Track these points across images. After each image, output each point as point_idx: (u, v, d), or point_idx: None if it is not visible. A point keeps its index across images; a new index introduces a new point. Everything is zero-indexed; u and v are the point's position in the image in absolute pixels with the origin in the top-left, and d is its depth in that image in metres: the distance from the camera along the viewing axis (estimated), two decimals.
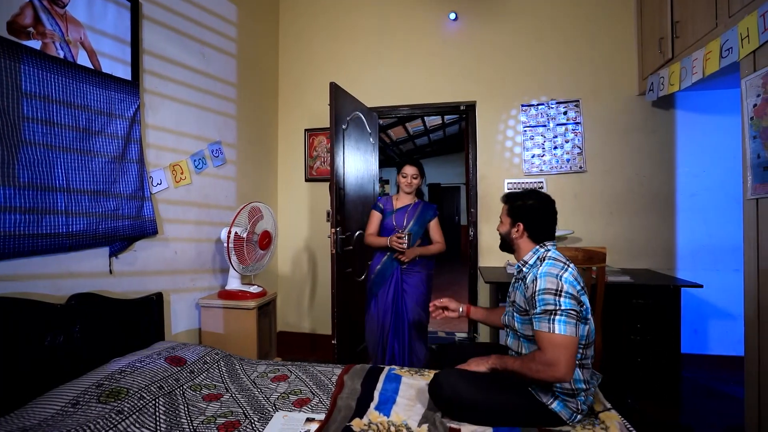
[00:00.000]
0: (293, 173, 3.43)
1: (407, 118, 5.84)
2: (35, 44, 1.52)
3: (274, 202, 3.39)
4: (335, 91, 2.46)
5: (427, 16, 3.19)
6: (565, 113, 2.94)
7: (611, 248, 2.75)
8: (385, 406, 1.43)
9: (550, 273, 1.33)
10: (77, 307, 1.59)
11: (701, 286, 2.23)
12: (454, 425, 1.32)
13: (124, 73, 1.90)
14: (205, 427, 1.32)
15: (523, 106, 3.01)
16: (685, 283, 2.29)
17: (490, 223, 3.01)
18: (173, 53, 2.24)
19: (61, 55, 1.61)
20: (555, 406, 1.31)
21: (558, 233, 2.71)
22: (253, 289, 2.37)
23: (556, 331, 1.25)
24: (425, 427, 1.30)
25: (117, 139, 1.83)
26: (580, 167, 2.91)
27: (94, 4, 1.76)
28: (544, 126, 2.97)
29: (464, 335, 3.54)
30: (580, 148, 2.91)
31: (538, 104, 2.99)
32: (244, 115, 2.91)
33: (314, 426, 1.32)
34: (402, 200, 2.45)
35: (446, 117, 6.05)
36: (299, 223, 3.41)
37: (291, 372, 1.78)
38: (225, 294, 2.34)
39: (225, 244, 2.25)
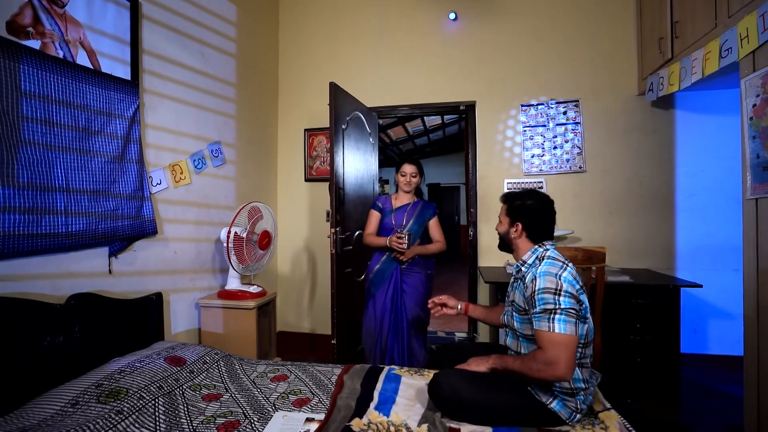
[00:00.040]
0: (293, 173, 3.43)
1: (407, 118, 5.84)
2: (34, 44, 1.52)
3: (273, 202, 3.39)
4: (335, 90, 2.46)
5: (426, 16, 3.19)
6: (564, 113, 2.94)
7: (611, 248, 2.76)
8: (385, 406, 1.43)
9: (549, 272, 1.33)
10: (77, 307, 1.59)
11: (701, 286, 2.23)
12: (453, 425, 1.32)
13: (124, 72, 1.90)
14: (205, 427, 1.32)
15: (522, 106, 3.01)
16: (685, 282, 2.29)
17: (489, 223, 3.02)
18: (173, 53, 2.24)
19: (61, 55, 1.61)
20: (554, 405, 1.32)
21: (558, 233, 2.71)
22: (253, 289, 2.37)
23: (556, 330, 1.25)
24: (425, 427, 1.30)
25: (116, 139, 1.83)
26: (580, 167, 2.91)
27: (93, 3, 1.76)
28: (544, 126, 2.97)
29: (464, 335, 3.54)
30: (579, 148, 2.91)
31: (537, 104, 2.99)
32: (243, 114, 2.91)
33: (314, 426, 1.32)
34: (401, 199, 2.44)
35: (446, 117, 6.06)
36: (299, 223, 3.41)
37: (291, 372, 1.78)
38: (225, 294, 2.34)
39: (225, 244, 2.25)
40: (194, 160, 2.37)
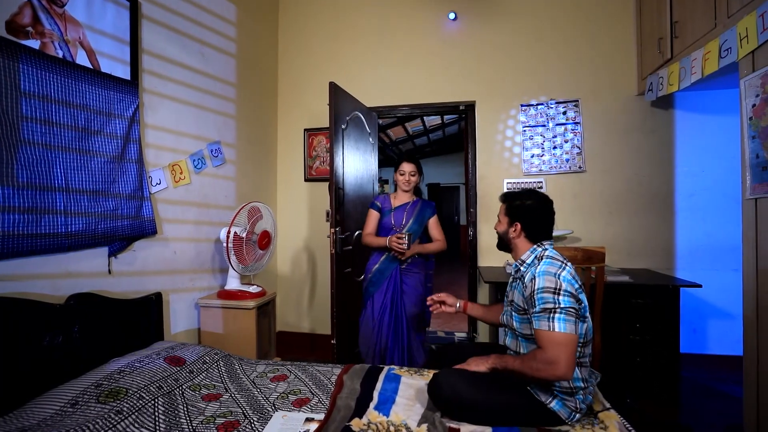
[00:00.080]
0: (292, 173, 3.43)
1: (407, 118, 5.84)
2: (34, 44, 1.52)
3: (273, 201, 3.39)
4: (334, 90, 2.45)
5: (426, 16, 3.19)
6: (564, 113, 2.94)
7: (610, 248, 2.76)
8: (385, 406, 1.43)
9: (548, 272, 1.33)
10: (76, 307, 1.59)
11: (700, 286, 2.24)
12: (453, 425, 1.32)
13: (124, 72, 1.90)
14: (205, 427, 1.32)
15: (522, 105, 3.01)
16: (684, 282, 2.29)
17: (489, 222, 3.02)
18: (172, 53, 2.23)
19: (60, 55, 1.61)
20: (554, 405, 1.32)
21: (557, 233, 2.71)
22: (253, 289, 2.36)
23: (556, 329, 1.25)
24: (424, 426, 1.30)
25: (116, 139, 1.83)
26: (580, 167, 2.91)
27: (93, 3, 1.76)
28: (544, 126, 2.97)
29: (464, 335, 3.54)
30: (579, 148, 2.91)
31: (537, 104, 2.99)
32: (243, 114, 2.91)
33: (313, 426, 1.32)
34: (400, 198, 2.42)
35: (446, 117, 6.06)
36: (299, 222, 3.41)
37: (290, 372, 1.78)
38: (224, 294, 2.34)
39: (224, 244, 2.25)
40: (194, 160, 2.37)
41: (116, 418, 1.25)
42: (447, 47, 3.15)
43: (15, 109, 1.43)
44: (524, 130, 3.00)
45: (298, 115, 3.42)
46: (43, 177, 1.52)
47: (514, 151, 3.02)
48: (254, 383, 1.67)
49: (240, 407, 1.46)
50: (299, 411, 1.44)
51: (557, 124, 2.95)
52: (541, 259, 1.40)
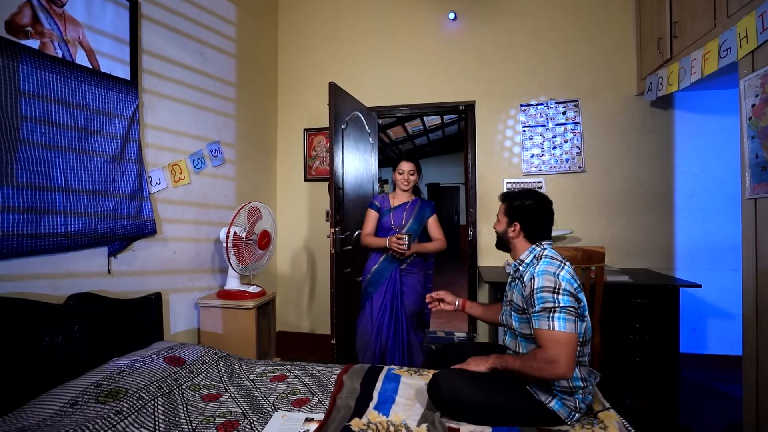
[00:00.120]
0: (292, 173, 3.43)
1: (406, 118, 5.84)
2: (33, 43, 1.52)
3: (273, 201, 3.39)
4: (334, 90, 2.45)
5: (426, 16, 3.19)
6: (564, 113, 2.95)
7: (610, 248, 2.76)
8: (384, 406, 1.43)
9: (547, 271, 1.33)
10: (76, 307, 1.59)
11: (700, 286, 2.24)
12: (453, 425, 1.32)
13: (123, 72, 1.90)
14: (204, 427, 1.32)
15: (522, 105, 3.01)
16: (684, 282, 2.30)
17: (489, 222, 3.02)
18: (172, 53, 2.23)
19: (60, 55, 1.61)
20: (553, 404, 1.32)
21: (557, 233, 2.71)
22: (252, 288, 2.36)
23: (556, 328, 1.25)
24: (424, 426, 1.30)
25: (116, 139, 1.83)
26: (579, 167, 2.91)
27: (92, 3, 1.76)
28: (543, 126, 2.97)
29: (463, 335, 3.55)
30: (579, 148, 2.91)
31: (537, 104, 2.99)
32: (243, 114, 2.91)
33: (313, 426, 1.32)
34: (399, 198, 2.40)
35: (445, 117, 6.06)
36: (298, 222, 3.41)
37: (290, 372, 1.78)
38: (224, 294, 2.34)
39: (224, 244, 2.25)
40: (193, 160, 2.37)
41: (116, 418, 1.25)
42: (447, 47, 3.15)
43: (14, 109, 1.43)
44: (524, 130, 3.00)
45: (297, 115, 3.41)
46: (43, 177, 1.52)
47: (514, 151, 3.02)
48: (254, 383, 1.67)
49: (240, 407, 1.46)
50: (299, 411, 1.44)
51: (557, 124, 2.95)
52: (540, 258, 1.40)
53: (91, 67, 1.74)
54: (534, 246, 1.47)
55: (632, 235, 2.83)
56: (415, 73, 3.20)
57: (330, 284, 2.42)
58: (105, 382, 1.41)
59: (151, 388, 1.45)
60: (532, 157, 2.98)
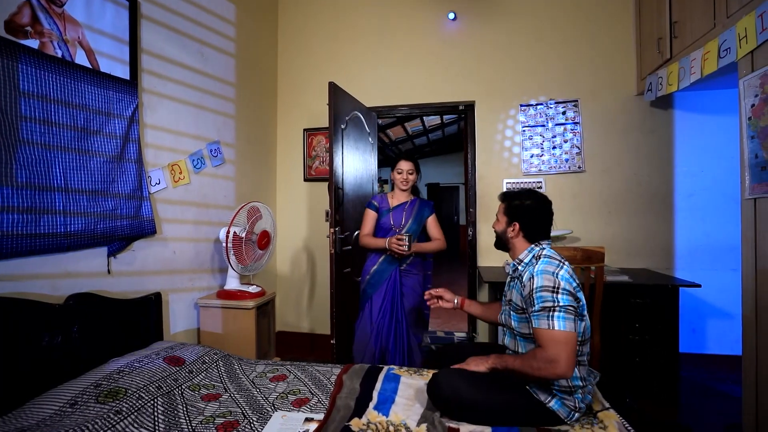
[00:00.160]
0: (292, 173, 3.43)
1: (406, 118, 5.84)
2: (33, 43, 1.51)
3: (272, 201, 3.39)
4: (334, 90, 2.45)
5: (426, 16, 3.19)
6: (563, 113, 2.95)
7: (610, 248, 2.76)
8: (384, 406, 1.43)
9: (546, 271, 1.33)
10: (75, 307, 1.59)
11: (699, 286, 2.24)
12: (452, 425, 1.32)
13: (123, 72, 1.90)
14: (204, 427, 1.32)
15: (521, 106, 3.01)
16: (684, 282, 2.30)
17: (489, 222, 3.01)
18: (172, 53, 2.23)
19: (59, 55, 1.61)
20: (553, 404, 1.32)
21: (557, 233, 2.71)
22: (252, 288, 2.36)
23: (556, 328, 1.25)
24: (424, 426, 1.30)
25: (115, 139, 1.82)
26: (579, 167, 2.91)
27: (92, 3, 1.75)
28: (543, 126, 2.97)
29: (463, 335, 3.55)
30: (578, 148, 2.92)
31: (536, 104, 2.99)
32: (242, 114, 2.91)
33: (313, 426, 1.32)
34: (398, 197, 2.39)
35: (445, 117, 6.06)
36: (298, 222, 3.41)
37: (290, 372, 1.78)
38: (224, 294, 2.34)
39: (224, 244, 2.25)
40: (193, 160, 2.37)
41: (115, 418, 1.25)
42: (447, 47, 3.15)
43: (14, 109, 1.42)
44: (524, 130, 3.00)
45: (297, 115, 3.41)
46: (43, 177, 1.52)
47: (514, 151, 3.02)
48: (254, 383, 1.67)
49: (239, 407, 1.46)
50: (299, 411, 1.44)
51: (557, 124, 2.95)
52: (539, 258, 1.40)
53: (90, 67, 1.74)
54: (533, 246, 1.47)
55: (632, 235, 2.84)
56: (415, 73, 3.20)
57: (330, 284, 2.42)
58: (105, 382, 1.41)
59: (150, 388, 1.45)
60: (531, 157, 2.98)
